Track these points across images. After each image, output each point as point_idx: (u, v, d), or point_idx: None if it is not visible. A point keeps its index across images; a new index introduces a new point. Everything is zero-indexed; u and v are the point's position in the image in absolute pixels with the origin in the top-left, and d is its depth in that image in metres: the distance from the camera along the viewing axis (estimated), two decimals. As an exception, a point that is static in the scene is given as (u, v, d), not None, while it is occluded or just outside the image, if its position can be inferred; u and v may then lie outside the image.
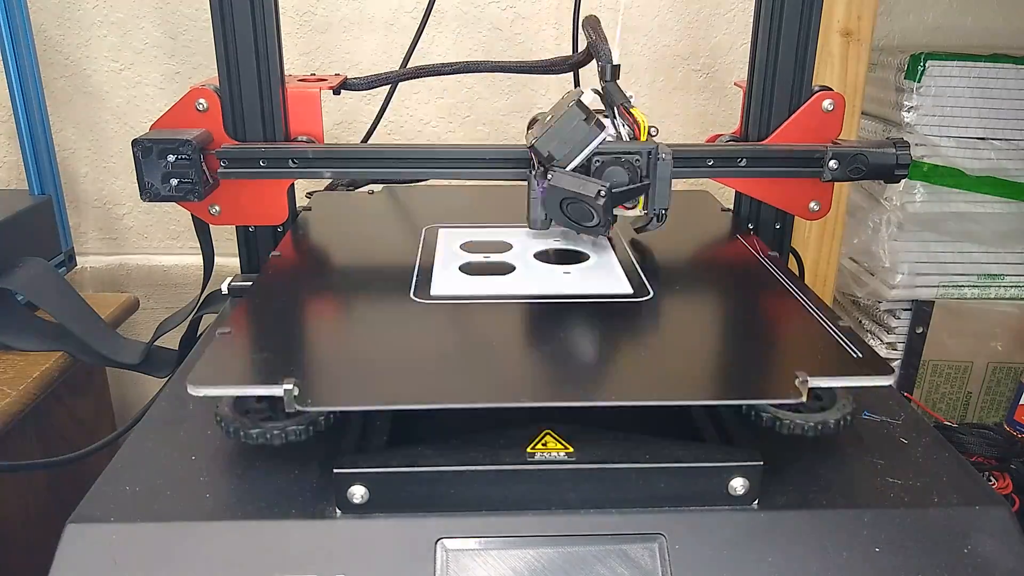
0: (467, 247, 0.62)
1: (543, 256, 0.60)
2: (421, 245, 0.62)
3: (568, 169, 0.56)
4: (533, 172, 0.57)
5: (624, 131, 0.57)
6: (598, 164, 0.56)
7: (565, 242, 0.62)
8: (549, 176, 0.55)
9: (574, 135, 0.55)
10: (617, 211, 0.58)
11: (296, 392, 0.39)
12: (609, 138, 0.57)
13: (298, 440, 0.41)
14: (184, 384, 0.48)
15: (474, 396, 0.41)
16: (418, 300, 0.52)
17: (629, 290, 0.54)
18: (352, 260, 0.63)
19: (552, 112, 0.57)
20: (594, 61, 0.59)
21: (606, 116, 0.57)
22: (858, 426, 0.47)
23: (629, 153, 0.56)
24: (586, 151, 0.56)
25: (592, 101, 0.57)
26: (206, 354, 0.44)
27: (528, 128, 0.62)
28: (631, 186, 0.56)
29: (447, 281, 0.55)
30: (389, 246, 0.65)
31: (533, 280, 0.56)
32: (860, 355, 0.44)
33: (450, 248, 0.62)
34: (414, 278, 0.56)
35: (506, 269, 0.58)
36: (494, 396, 0.41)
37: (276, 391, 0.40)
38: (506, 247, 0.62)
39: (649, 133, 0.58)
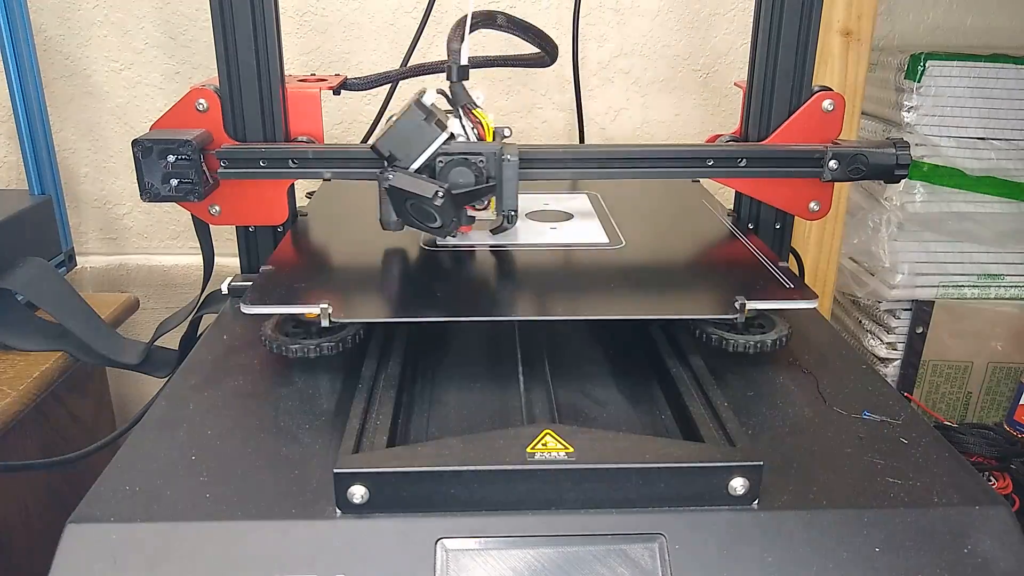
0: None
1: (534, 216, 0.70)
2: None
3: (411, 169, 0.55)
4: (380, 172, 0.56)
5: (471, 132, 0.57)
6: (442, 164, 0.56)
7: (556, 204, 0.73)
8: (389, 176, 0.55)
9: (415, 135, 0.55)
10: (476, 214, 0.59)
11: (331, 310, 0.49)
12: (461, 138, 0.57)
13: (329, 354, 0.51)
14: (184, 383, 0.49)
15: (473, 313, 0.51)
16: (427, 247, 0.62)
17: (605, 240, 0.64)
18: (371, 217, 0.65)
19: (399, 112, 0.57)
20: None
21: (454, 116, 0.57)
22: (858, 426, 0.47)
23: (473, 154, 0.56)
24: (428, 151, 0.55)
25: (435, 101, 0.56)
26: (255, 283, 0.54)
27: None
28: (476, 187, 0.56)
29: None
30: None
31: (525, 234, 0.65)
32: (792, 286, 0.54)
33: None
34: (423, 233, 0.62)
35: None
36: (490, 312, 0.51)
37: (314, 309, 0.50)
38: None
39: (501, 135, 0.59)
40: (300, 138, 0.64)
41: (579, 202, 0.75)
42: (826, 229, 0.92)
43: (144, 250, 1.10)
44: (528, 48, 0.71)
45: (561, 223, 0.68)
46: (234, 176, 0.61)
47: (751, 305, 0.51)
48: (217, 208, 0.64)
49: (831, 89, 0.65)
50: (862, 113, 0.93)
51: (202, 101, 0.62)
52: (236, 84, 0.62)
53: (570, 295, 0.55)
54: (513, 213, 0.58)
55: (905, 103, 0.92)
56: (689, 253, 0.65)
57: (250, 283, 0.55)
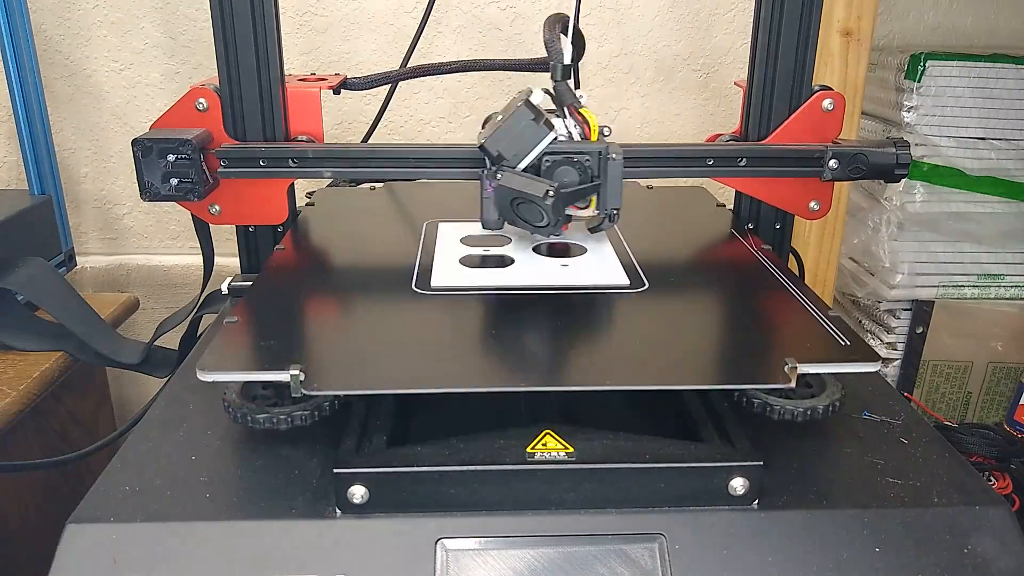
0: (467, 241, 0.63)
1: (541, 249, 0.61)
2: (422, 239, 0.63)
3: (518, 169, 0.55)
4: (484, 172, 0.57)
5: (575, 131, 0.57)
6: (548, 164, 0.56)
7: (563, 236, 0.63)
8: (498, 176, 0.55)
9: (523, 135, 0.55)
10: (570, 211, 0.58)
11: (302, 377, 0.41)
12: (562, 138, 0.56)
13: (303, 425, 0.43)
14: (184, 383, 0.49)
15: (473, 381, 0.42)
16: (419, 291, 0.53)
17: (626, 281, 0.55)
18: (355, 253, 0.64)
19: (503, 111, 0.57)
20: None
21: (557, 116, 0.57)
22: (858, 426, 0.47)
23: (579, 153, 0.56)
24: (535, 151, 0.55)
25: (542, 101, 0.56)
26: (214, 341, 0.46)
27: (482, 126, 0.62)
28: (581, 186, 0.56)
29: (447, 273, 0.56)
30: (391, 240, 0.66)
31: (531, 272, 0.57)
32: (848, 343, 0.45)
33: (450, 242, 0.63)
34: (415, 270, 0.57)
35: (505, 262, 0.59)
36: (492, 381, 0.43)
37: (283, 376, 0.41)
38: (505, 241, 0.63)
39: (602, 133, 0.58)
40: (300, 137, 0.64)
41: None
42: (826, 229, 0.92)
43: (144, 250, 1.10)
44: (535, 52, 0.71)
45: (572, 259, 0.60)
46: (234, 175, 0.61)
47: (804, 369, 0.42)
48: (217, 207, 0.64)
49: (831, 88, 0.65)
50: (862, 113, 0.92)
51: (202, 100, 0.62)
52: (236, 83, 0.62)
53: (586, 357, 0.47)
54: (616, 212, 0.57)
55: (905, 103, 0.92)
56: (723, 299, 0.56)
57: (250, 283, 0.55)
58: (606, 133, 0.58)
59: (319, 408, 0.44)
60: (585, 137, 0.57)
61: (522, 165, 0.55)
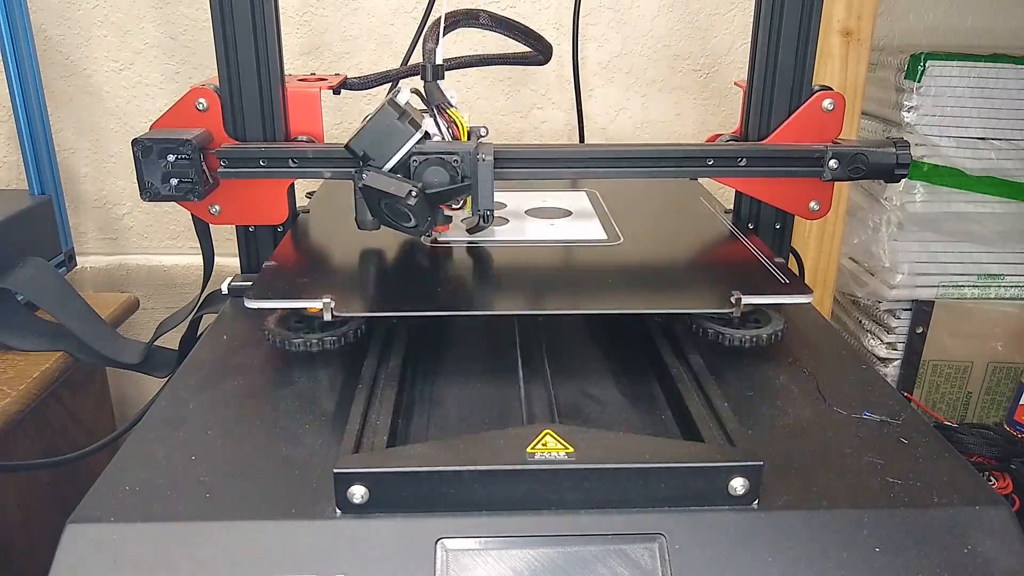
0: None
1: (534, 213, 0.71)
2: None
3: (385, 169, 0.55)
4: (354, 172, 0.56)
5: (447, 132, 0.57)
6: (416, 164, 0.56)
7: (554, 202, 0.74)
8: (364, 175, 0.55)
9: (388, 134, 0.54)
10: (452, 213, 0.59)
11: (333, 304, 0.50)
12: (436, 138, 0.56)
13: (331, 348, 0.53)
14: (184, 383, 0.49)
15: (473, 307, 0.53)
16: (428, 243, 0.63)
17: (604, 236, 0.65)
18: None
19: (371, 111, 0.57)
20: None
21: (429, 116, 0.57)
22: (858, 426, 0.47)
23: (448, 153, 0.56)
24: (402, 151, 0.55)
25: (410, 101, 0.56)
26: (258, 278, 0.56)
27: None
28: (451, 186, 0.56)
29: (452, 231, 0.64)
30: None
31: (524, 230, 0.67)
32: (787, 281, 0.55)
33: None
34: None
35: (501, 222, 0.68)
36: (490, 307, 0.53)
37: (317, 303, 0.50)
38: (501, 205, 0.72)
39: (478, 134, 0.58)
40: (300, 137, 0.64)
41: (578, 200, 0.75)
42: (826, 229, 0.92)
43: (144, 250, 1.10)
44: (521, 47, 0.71)
45: (560, 220, 0.69)
46: (234, 175, 0.61)
47: (747, 300, 0.52)
48: (217, 207, 0.64)
49: (831, 88, 0.65)
50: (862, 113, 0.92)
51: (202, 100, 0.62)
52: (236, 83, 0.62)
53: (569, 291, 0.56)
54: (489, 213, 0.58)
55: (905, 103, 0.92)
56: (686, 250, 0.65)
57: (250, 283, 0.55)
58: (483, 133, 0.59)
59: (344, 335, 0.53)
60: (455, 138, 0.57)
61: (389, 165, 0.55)
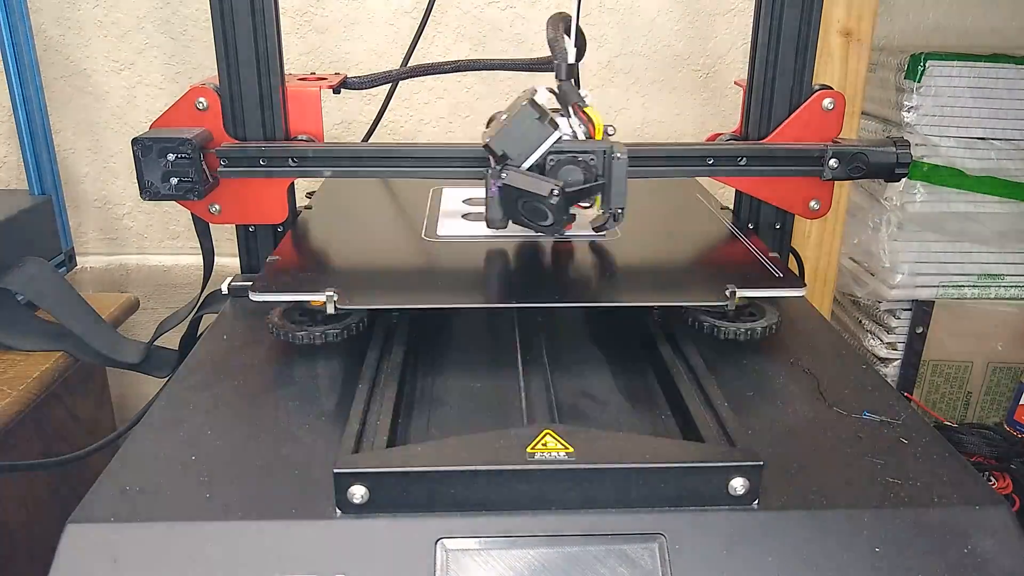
0: (469, 201, 0.73)
1: None
2: (430, 201, 0.74)
3: (523, 168, 0.55)
4: (488, 171, 0.57)
5: (580, 130, 0.57)
6: (553, 163, 0.56)
7: None
8: (503, 175, 0.55)
9: (527, 134, 0.55)
10: (575, 210, 0.58)
11: (336, 297, 0.51)
12: (566, 137, 0.56)
13: (334, 341, 0.53)
14: (184, 383, 0.49)
15: (473, 300, 0.54)
16: (428, 239, 0.64)
17: (602, 232, 0.64)
18: (371, 211, 0.74)
19: (508, 110, 0.57)
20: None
21: (562, 115, 0.57)
22: (858, 426, 0.47)
23: (584, 152, 0.56)
24: (540, 150, 0.55)
25: (547, 100, 0.56)
26: (263, 271, 0.57)
27: (486, 125, 0.62)
28: (586, 185, 0.56)
29: (452, 226, 0.67)
30: (404, 201, 0.75)
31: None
32: (781, 275, 0.56)
33: (454, 202, 0.74)
34: (424, 223, 0.67)
35: None
36: (489, 300, 0.55)
37: (320, 297, 0.52)
38: None
39: (606, 132, 0.58)
40: (300, 137, 0.64)
41: None
42: (826, 229, 0.92)
43: (144, 250, 1.10)
44: (535, 52, 0.71)
45: None
46: (234, 175, 0.61)
47: (741, 293, 0.53)
48: (217, 207, 0.64)
49: (831, 88, 0.65)
50: (862, 113, 0.93)
51: (202, 100, 0.62)
52: (236, 83, 0.62)
53: (568, 284, 0.57)
54: (620, 211, 0.57)
55: (905, 103, 0.92)
56: (683, 245, 0.66)
57: (250, 282, 0.55)
58: (611, 132, 0.58)
59: (347, 328, 0.53)
60: (589, 136, 0.57)
61: (527, 164, 0.56)
